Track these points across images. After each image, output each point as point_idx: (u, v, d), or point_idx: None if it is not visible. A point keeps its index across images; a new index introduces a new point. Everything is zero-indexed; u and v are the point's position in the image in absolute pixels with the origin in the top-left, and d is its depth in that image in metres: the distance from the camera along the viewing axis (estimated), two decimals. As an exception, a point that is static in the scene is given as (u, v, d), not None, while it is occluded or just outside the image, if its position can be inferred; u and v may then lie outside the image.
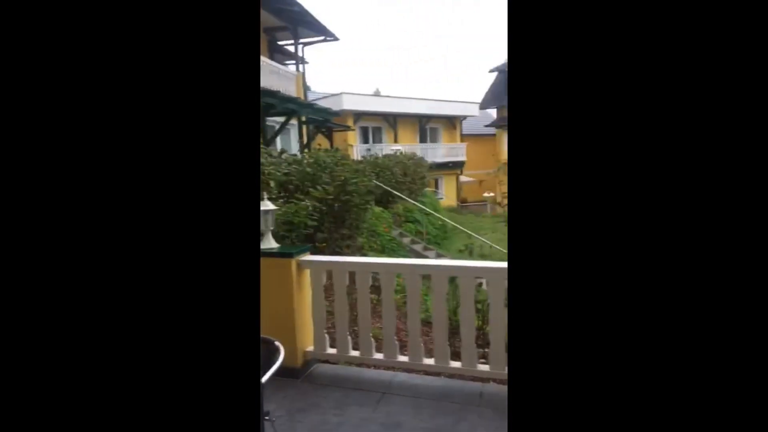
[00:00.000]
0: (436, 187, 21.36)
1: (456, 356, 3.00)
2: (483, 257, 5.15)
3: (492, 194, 19.85)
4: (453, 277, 3.02)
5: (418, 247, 10.43)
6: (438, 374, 3.11)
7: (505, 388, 2.93)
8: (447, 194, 22.34)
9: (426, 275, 3.04)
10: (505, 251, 6.81)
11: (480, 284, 3.41)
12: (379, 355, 3.11)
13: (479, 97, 25.58)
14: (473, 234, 9.77)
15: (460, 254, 5.42)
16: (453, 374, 3.09)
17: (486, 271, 2.93)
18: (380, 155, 13.25)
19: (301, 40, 14.66)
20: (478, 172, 24.34)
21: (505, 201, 4.30)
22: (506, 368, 2.80)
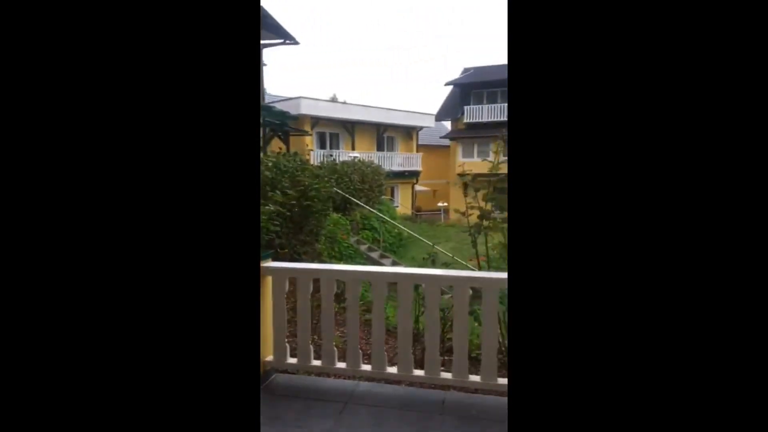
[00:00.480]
0: (392, 195, 21.52)
1: (418, 364, 3.00)
2: (445, 266, 5.23)
3: (446, 204, 20.27)
4: (415, 286, 3.03)
5: (374, 255, 10.45)
6: (399, 383, 3.10)
7: (466, 396, 2.97)
8: (402, 203, 22.56)
9: (391, 283, 3.03)
10: (462, 261, 6.94)
11: (441, 292, 3.44)
12: (341, 365, 3.06)
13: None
14: (427, 242, 9.92)
15: (423, 263, 5.46)
16: (413, 382, 3.09)
17: (452, 280, 2.96)
18: (338, 161, 13.19)
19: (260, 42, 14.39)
20: (432, 181, 24.80)
21: (470, 212, 4.32)
22: (468, 376, 2.84)
